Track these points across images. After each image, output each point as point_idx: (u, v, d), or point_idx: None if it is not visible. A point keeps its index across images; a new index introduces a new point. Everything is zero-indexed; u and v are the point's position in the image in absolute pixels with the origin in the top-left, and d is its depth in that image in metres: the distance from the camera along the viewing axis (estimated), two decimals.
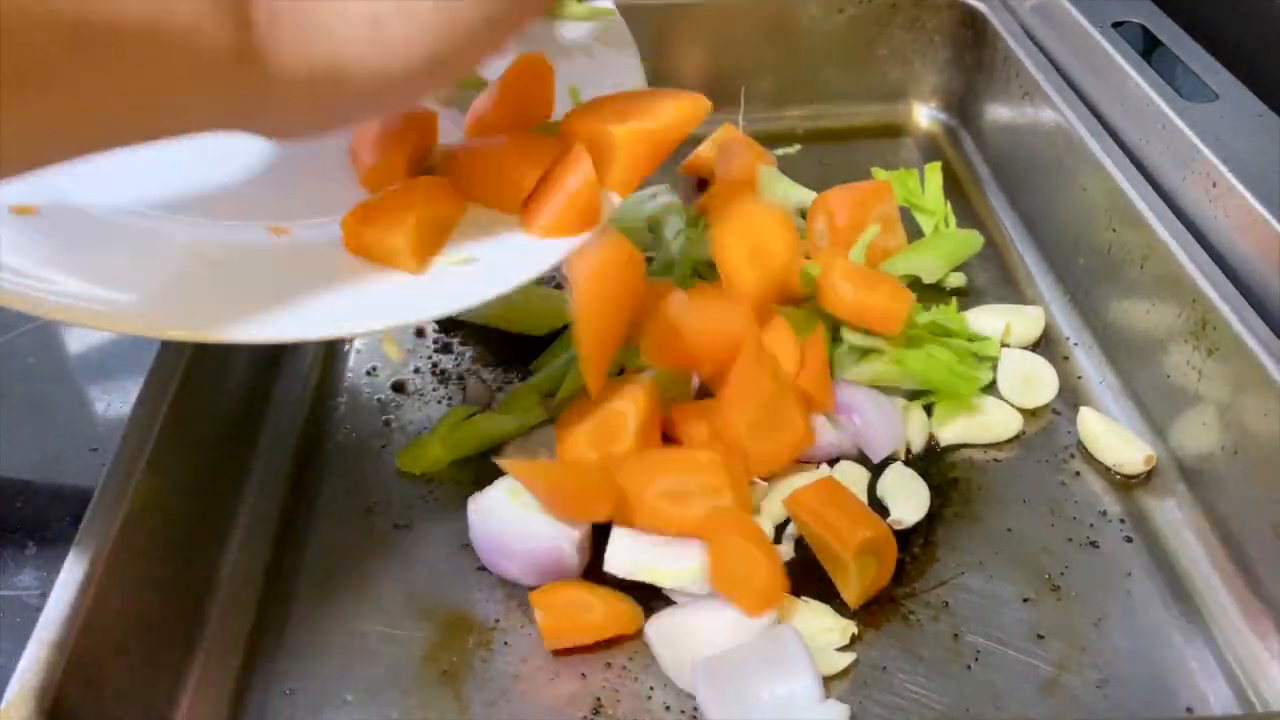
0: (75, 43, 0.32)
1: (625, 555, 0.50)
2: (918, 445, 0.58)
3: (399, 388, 0.62)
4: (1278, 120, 0.62)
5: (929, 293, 0.68)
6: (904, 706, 0.46)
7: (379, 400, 0.61)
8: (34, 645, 0.39)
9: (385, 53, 0.38)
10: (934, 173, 0.75)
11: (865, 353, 0.59)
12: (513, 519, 0.50)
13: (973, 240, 0.70)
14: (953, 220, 0.73)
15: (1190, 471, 0.55)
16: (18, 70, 0.32)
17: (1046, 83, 0.70)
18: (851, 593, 0.50)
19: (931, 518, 0.54)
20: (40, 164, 0.35)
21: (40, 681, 0.38)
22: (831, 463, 0.57)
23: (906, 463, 0.57)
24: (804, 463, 0.56)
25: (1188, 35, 0.70)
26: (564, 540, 0.49)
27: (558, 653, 0.48)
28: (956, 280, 0.69)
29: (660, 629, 0.48)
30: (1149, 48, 0.71)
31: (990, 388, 0.61)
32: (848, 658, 0.48)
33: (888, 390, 0.59)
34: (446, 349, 0.64)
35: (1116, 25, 0.72)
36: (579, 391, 0.55)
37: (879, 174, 0.76)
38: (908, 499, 0.54)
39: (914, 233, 0.72)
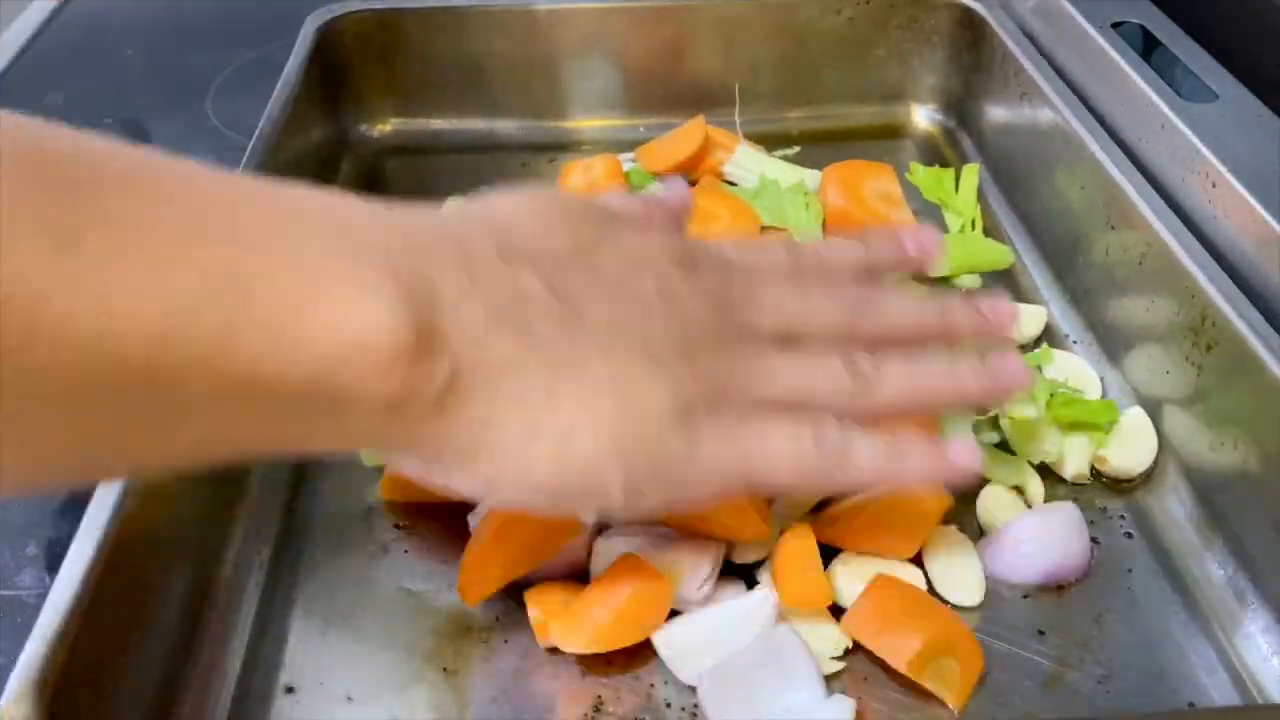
0: (232, 396, 0.32)
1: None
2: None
3: None
4: (1278, 120, 0.63)
5: (937, 289, 0.68)
6: (905, 703, 0.46)
7: None
8: (34, 641, 0.39)
9: (563, 465, 0.38)
10: (970, 174, 0.75)
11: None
12: None
13: (1000, 254, 0.69)
14: (979, 224, 0.73)
15: (1190, 468, 0.55)
16: (149, 417, 0.32)
17: (1044, 83, 0.70)
18: (951, 700, 0.46)
19: None
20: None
21: (40, 677, 0.38)
22: None
23: None
24: None
25: (1187, 35, 0.71)
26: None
27: (557, 650, 0.48)
28: (972, 283, 0.69)
29: (663, 634, 0.48)
30: (1149, 48, 0.72)
31: None
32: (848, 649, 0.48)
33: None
34: None
35: (1116, 25, 0.72)
36: None
37: (916, 170, 0.77)
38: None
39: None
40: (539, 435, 0.37)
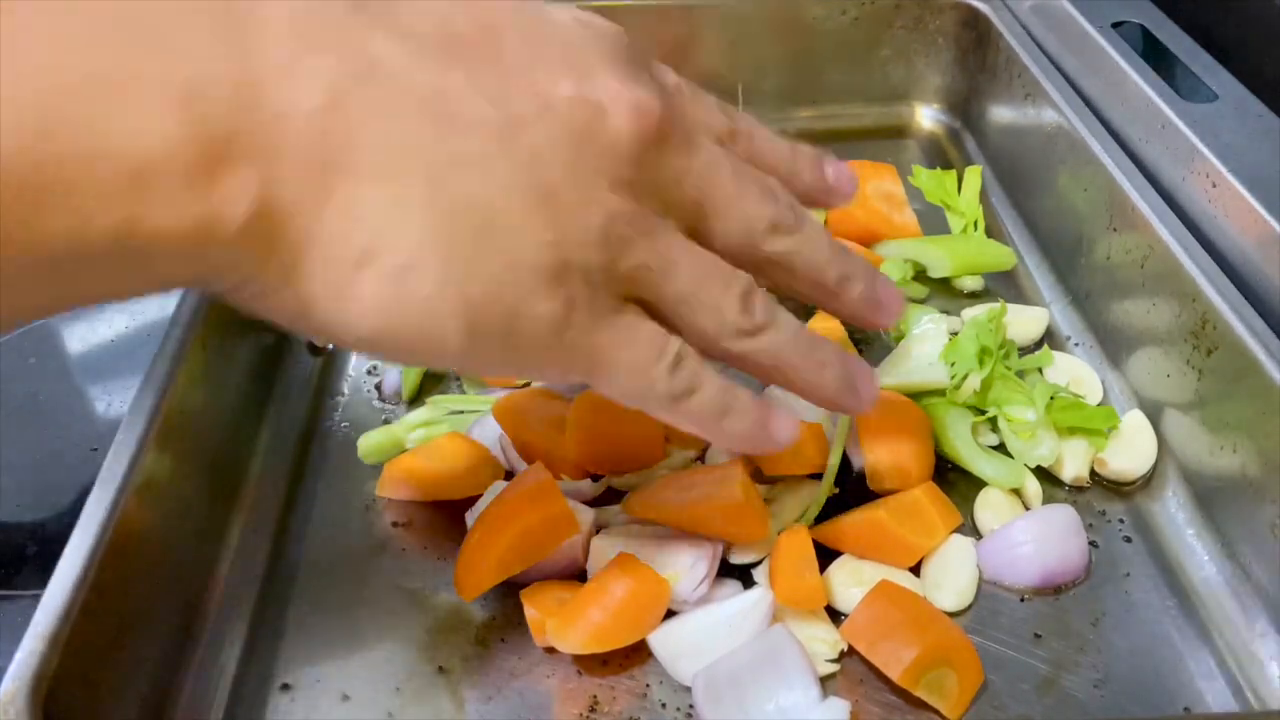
0: (33, 273, 0.27)
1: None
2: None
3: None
4: (1278, 120, 0.62)
5: (939, 289, 0.69)
6: (900, 706, 0.46)
7: (379, 400, 0.61)
8: (29, 639, 0.39)
9: (397, 308, 0.30)
10: (973, 176, 0.75)
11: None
12: None
13: (1002, 256, 0.70)
14: (982, 225, 0.73)
15: (1189, 471, 0.55)
16: None
17: (1048, 84, 0.70)
18: (947, 712, 0.46)
19: None
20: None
21: (35, 675, 0.38)
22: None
23: None
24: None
25: (1188, 35, 0.70)
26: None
27: (553, 649, 0.48)
28: (974, 284, 0.69)
29: (659, 633, 0.48)
30: (1149, 48, 0.71)
31: None
32: (843, 652, 0.48)
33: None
34: None
35: (1116, 25, 0.72)
36: None
37: (919, 172, 0.77)
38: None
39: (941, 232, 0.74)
40: (370, 261, 0.30)
